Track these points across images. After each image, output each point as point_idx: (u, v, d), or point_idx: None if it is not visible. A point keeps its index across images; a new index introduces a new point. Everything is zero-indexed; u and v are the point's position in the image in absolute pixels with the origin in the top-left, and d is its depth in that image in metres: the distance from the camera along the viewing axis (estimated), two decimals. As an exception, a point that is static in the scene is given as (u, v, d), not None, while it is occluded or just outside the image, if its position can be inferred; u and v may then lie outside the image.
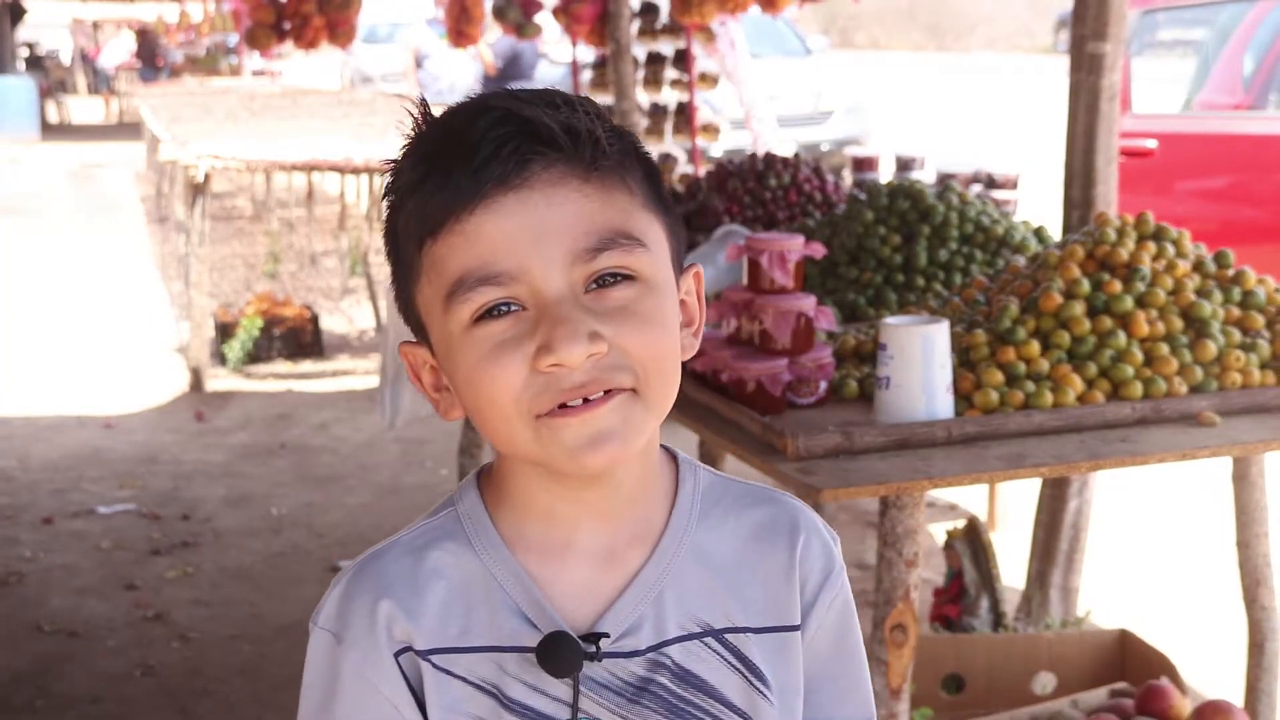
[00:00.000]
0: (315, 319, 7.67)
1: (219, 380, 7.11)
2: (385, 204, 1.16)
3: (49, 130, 19.97)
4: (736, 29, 7.89)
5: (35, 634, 4.15)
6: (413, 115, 1.14)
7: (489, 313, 1.08)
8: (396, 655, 1.14)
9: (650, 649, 1.15)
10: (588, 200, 1.08)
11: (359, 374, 7.16)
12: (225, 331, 7.47)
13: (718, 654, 1.17)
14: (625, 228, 1.09)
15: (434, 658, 1.14)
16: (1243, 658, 3.15)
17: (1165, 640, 3.21)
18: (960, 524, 3.55)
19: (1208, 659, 3.74)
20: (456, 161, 1.07)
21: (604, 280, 1.08)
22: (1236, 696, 3.11)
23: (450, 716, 1.14)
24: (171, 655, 4.01)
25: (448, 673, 1.14)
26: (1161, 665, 2.98)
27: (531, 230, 1.06)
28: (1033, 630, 3.46)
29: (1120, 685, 2.97)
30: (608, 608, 1.15)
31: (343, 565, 4.63)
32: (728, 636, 1.17)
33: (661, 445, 1.21)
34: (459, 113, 1.11)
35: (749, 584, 1.19)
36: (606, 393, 1.08)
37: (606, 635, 1.13)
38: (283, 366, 7.36)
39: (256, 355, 7.37)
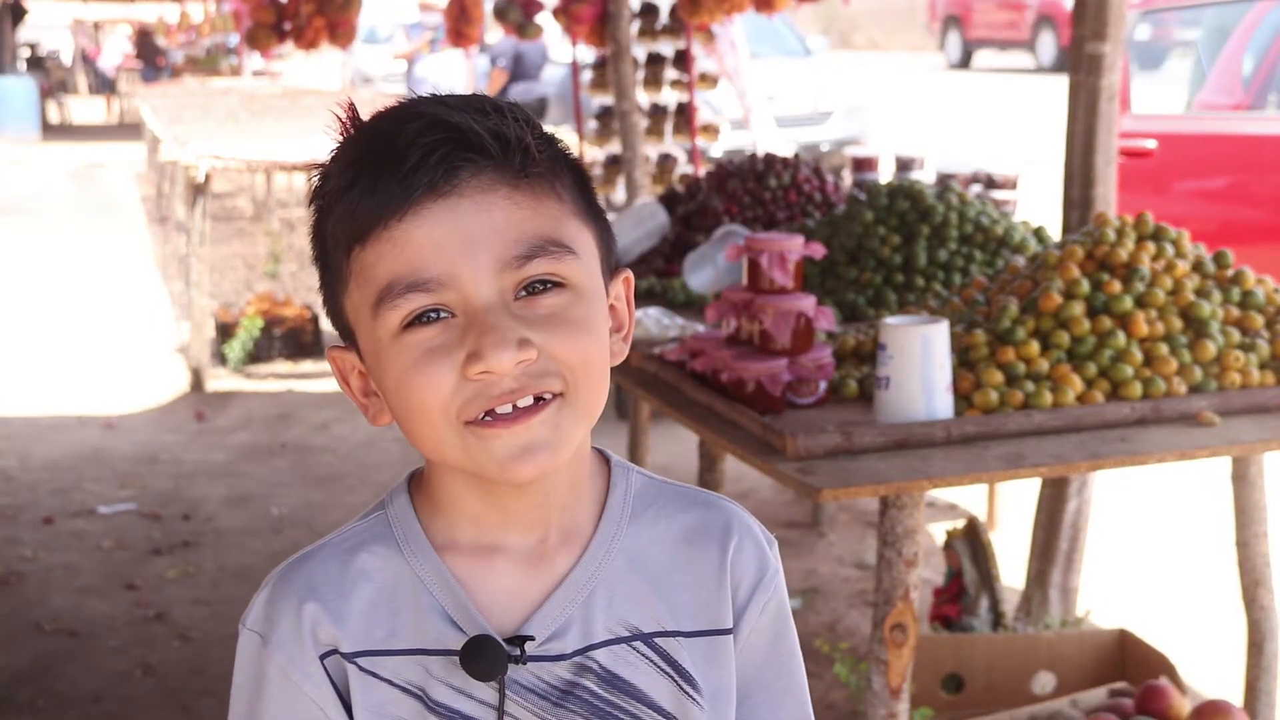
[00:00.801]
0: (315, 319, 7.68)
1: (219, 380, 7.11)
2: (312, 208, 1.15)
3: (50, 131, 19.97)
4: (737, 30, 7.90)
5: (36, 633, 4.16)
6: (340, 120, 1.13)
7: (418, 319, 1.07)
8: (322, 658, 1.14)
9: (577, 652, 1.15)
10: (517, 208, 1.08)
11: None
12: (225, 331, 7.48)
13: (646, 658, 1.16)
14: (554, 235, 1.09)
15: (360, 660, 1.14)
16: (1242, 657, 3.15)
17: (1165, 640, 3.22)
18: (960, 524, 3.55)
19: (1207, 659, 3.74)
20: (385, 167, 1.07)
21: (533, 287, 1.08)
22: (1236, 696, 3.12)
23: (376, 719, 1.13)
24: (172, 655, 4.02)
25: (374, 675, 1.14)
26: (1161, 665, 2.99)
27: (460, 237, 1.06)
28: (1032, 630, 3.46)
29: (1120, 685, 2.97)
30: (534, 611, 1.15)
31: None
32: (657, 640, 1.17)
33: (595, 448, 1.22)
34: (387, 118, 1.11)
35: (680, 587, 1.19)
36: (537, 401, 1.08)
37: (531, 639, 1.13)
38: (283, 366, 7.36)
39: (257, 355, 7.38)
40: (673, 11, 6.46)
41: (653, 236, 4.04)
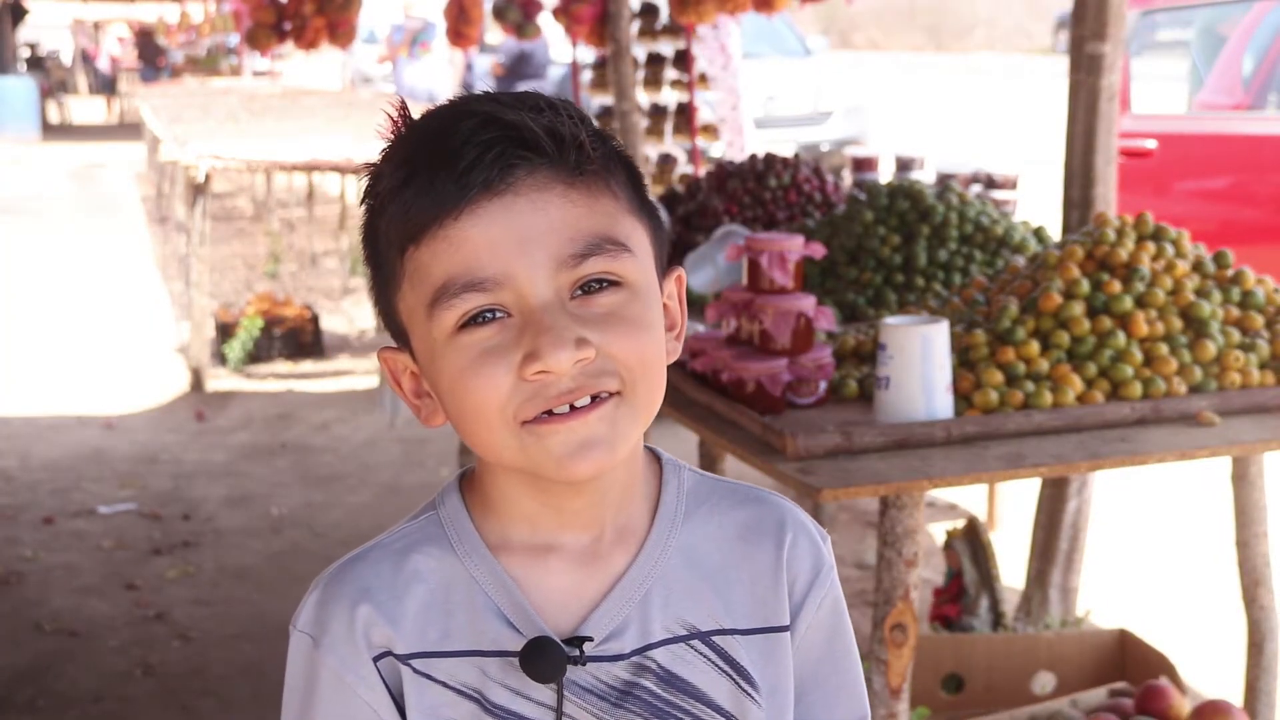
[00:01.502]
0: (315, 319, 7.68)
1: (219, 380, 7.11)
2: (364, 208, 1.14)
3: (50, 131, 19.97)
4: (734, 32, 7.87)
5: (36, 633, 4.16)
6: (392, 118, 1.12)
7: (473, 319, 1.06)
8: (375, 660, 1.13)
9: (635, 652, 1.14)
10: (573, 206, 1.07)
11: (359, 374, 7.16)
12: (225, 331, 7.47)
13: (704, 657, 1.16)
14: (610, 233, 1.08)
15: (414, 662, 1.13)
16: (1242, 657, 3.15)
17: (1165, 640, 3.22)
18: (960, 524, 3.55)
19: (1207, 659, 3.74)
20: (440, 166, 1.06)
21: (589, 286, 1.07)
22: (1236, 696, 3.11)
23: (441, 716, 1.13)
24: (172, 655, 4.02)
25: (428, 677, 1.13)
26: (1161, 665, 2.99)
27: (516, 236, 1.05)
28: (1032, 630, 3.46)
29: (1120, 685, 2.98)
30: (591, 611, 1.14)
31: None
32: (714, 639, 1.16)
33: (646, 446, 1.21)
34: (440, 116, 1.10)
35: (736, 585, 1.18)
36: (593, 399, 1.07)
37: (590, 639, 1.12)
38: (283, 366, 7.36)
39: (257, 355, 7.38)
40: (672, 11, 6.46)
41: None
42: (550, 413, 1.07)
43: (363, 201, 1.14)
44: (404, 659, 1.13)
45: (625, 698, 1.13)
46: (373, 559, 1.17)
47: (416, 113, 1.13)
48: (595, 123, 1.13)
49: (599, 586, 1.15)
